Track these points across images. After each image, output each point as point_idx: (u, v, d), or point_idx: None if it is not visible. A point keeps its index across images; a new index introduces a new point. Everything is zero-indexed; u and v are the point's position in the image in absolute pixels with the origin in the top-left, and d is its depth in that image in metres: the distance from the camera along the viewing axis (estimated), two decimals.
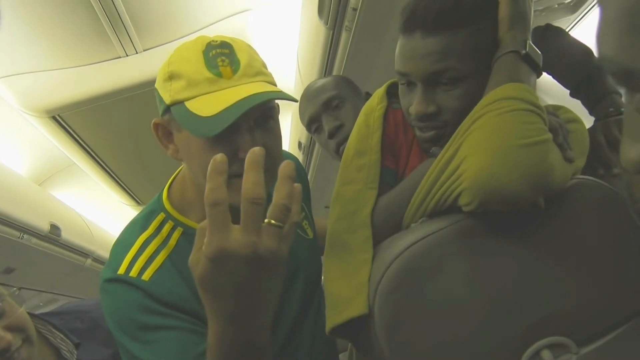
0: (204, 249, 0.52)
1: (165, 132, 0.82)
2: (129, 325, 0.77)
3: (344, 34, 1.42)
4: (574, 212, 0.74)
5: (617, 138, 0.93)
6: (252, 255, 0.51)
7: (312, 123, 1.32)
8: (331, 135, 1.26)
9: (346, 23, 1.36)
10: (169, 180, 0.92)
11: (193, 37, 0.78)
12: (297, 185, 0.55)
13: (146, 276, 0.79)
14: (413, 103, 0.79)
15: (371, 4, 1.27)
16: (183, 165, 0.88)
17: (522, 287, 0.71)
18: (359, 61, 1.42)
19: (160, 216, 0.86)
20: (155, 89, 0.80)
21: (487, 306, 0.70)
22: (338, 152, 1.27)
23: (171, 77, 0.76)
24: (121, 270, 0.79)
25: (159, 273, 0.80)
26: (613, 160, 0.91)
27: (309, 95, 1.32)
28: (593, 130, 1.00)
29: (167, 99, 0.76)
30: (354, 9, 1.29)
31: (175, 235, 0.84)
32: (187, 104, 0.73)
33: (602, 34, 0.32)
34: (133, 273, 0.79)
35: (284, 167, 0.54)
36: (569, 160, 0.73)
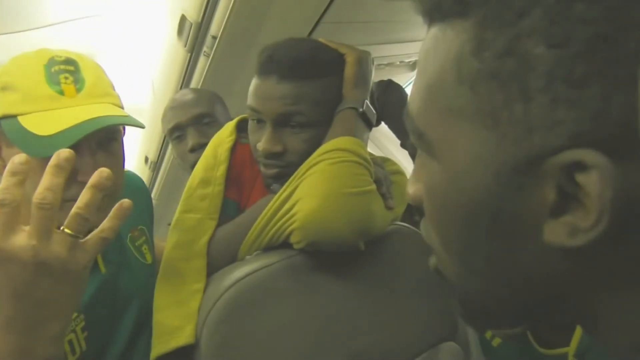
0: None
1: None
2: None
3: (202, 59, 1.41)
4: (390, 254, 0.84)
5: None
6: (31, 260, 0.49)
7: (176, 130, 1.29)
8: (193, 150, 1.25)
9: (205, 49, 1.36)
10: None
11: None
12: (124, 201, 0.54)
13: None
14: (261, 140, 0.82)
15: (231, 35, 1.29)
16: None
17: (342, 320, 0.78)
18: (215, 88, 1.42)
19: None
20: None
21: (310, 338, 0.75)
22: (193, 167, 1.26)
23: (4, 87, 0.69)
24: None
25: None
26: None
27: (182, 102, 1.29)
28: None
29: None
30: (214, 37, 1.30)
31: None
32: (21, 119, 0.67)
33: (411, 93, 0.38)
34: None
35: (94, 175, 0.52)
36: (390, 208, 0.83)
